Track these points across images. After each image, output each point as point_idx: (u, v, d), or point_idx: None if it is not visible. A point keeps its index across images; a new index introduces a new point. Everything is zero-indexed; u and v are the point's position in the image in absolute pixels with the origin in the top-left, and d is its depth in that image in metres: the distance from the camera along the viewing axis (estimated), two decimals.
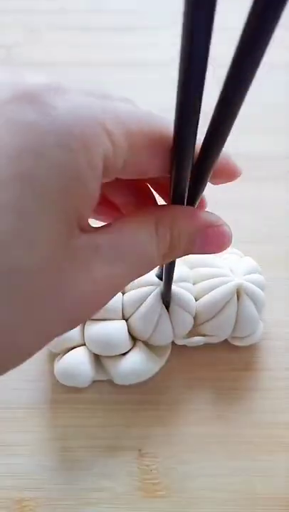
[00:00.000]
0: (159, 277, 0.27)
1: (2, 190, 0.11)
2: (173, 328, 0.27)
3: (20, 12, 0.44)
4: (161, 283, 0.25)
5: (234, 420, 0.28)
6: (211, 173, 0.15)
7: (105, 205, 0.19)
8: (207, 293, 0.27)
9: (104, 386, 0.28)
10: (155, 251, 0.15)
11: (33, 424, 0.27)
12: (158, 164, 0.15)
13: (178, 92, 0.12)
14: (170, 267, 0.23)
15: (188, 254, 0.17)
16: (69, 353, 0.27)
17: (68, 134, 0.12)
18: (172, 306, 0.27)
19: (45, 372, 0.29)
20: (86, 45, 0.42)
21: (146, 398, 0.28)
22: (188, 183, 0.16)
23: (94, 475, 0.26)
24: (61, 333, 0.15)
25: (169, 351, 0.29)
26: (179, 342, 0.29)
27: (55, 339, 0.17)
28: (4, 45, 0.42)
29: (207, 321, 0.28)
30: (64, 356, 0.27)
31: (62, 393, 0.28)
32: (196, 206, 0.18)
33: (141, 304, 0.27)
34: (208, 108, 0.13)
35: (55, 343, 0.28)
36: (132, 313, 0.27)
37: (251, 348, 0.29)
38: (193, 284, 0.28)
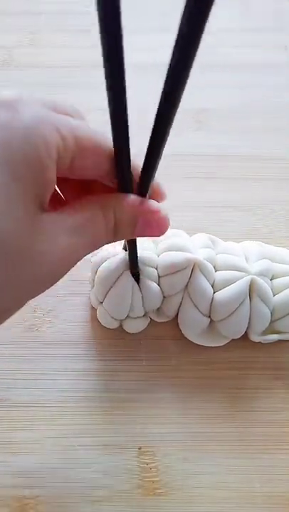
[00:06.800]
0: (125, 249, 0.28)
1: None
2: (250, 321, 0.27)
3: (22, 14, 0.44)
4: (250, 271, 0.27)
5: (234, 418, 0.28)
6: (157, 167, 0.19)
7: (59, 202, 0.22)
8: (285, 289, 0.28)
9: (103, 385, 0.28)
10: (103, 229, 0.19)
11: (34, 423, 0.27)
12: (100, 168, 0.19)
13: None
14: (132, 243, 0.25)
15: (134, 236, 0.21)
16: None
17: (32, 131, 0.16)
18: (254, 299, 0.27)
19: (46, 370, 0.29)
20: (86, 47, 0.42)
21: (146, 396, 0.28)
22: (130, 178, 0.19)
23: (94, 473, 0.26)
24: (34, 296, 0.18)
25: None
26: (255, 339, 0.29)
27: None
28: (5, 46, 0.42)
29: (283, 317, 0.28)
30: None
31: (63, 392, 0.28)
32: (148, 195, 0.21)
33: (227, 285, 0.27)
34: None
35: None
36: (218, 291, 0.27)
37: (251, 347, 0.29)
38: (271, 279, 0.28)
